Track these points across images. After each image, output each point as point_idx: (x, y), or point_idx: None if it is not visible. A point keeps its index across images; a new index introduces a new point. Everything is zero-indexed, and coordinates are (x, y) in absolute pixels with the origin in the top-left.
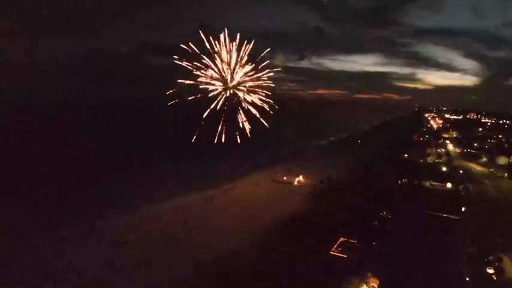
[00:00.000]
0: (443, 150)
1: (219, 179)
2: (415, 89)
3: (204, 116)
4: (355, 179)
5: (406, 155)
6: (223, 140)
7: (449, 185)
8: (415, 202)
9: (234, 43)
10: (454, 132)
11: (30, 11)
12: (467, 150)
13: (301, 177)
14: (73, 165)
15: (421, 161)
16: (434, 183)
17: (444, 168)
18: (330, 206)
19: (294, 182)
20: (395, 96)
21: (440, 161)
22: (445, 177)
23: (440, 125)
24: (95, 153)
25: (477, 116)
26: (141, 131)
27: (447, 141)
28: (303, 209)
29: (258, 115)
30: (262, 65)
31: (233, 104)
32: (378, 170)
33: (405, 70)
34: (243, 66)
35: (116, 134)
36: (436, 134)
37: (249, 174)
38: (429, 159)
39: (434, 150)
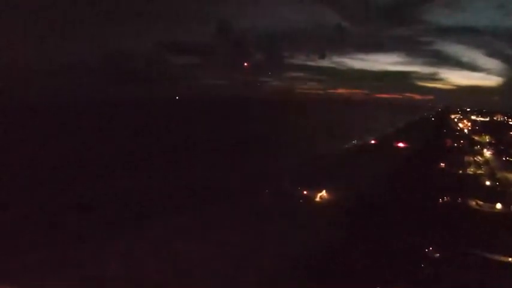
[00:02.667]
0: (480, 158)
1: (224, 189)
2: (437, 88)
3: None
4: (387, 196)
5: (442, 165)
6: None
7: (498, 205)
8: (463, 232)
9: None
10: (486, 137)
11: (48, 9)
12: (506, 159)
13: (324, 192)
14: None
15: (460, 172)
16: (480, 202)
17: (488, 182)
18: (360, 235)
19: (315, 198)
20: (417, 96)
21: (481, 172)
22: (491, 195)
23: (470, 128)
24: (118, 153)
25: (504, 118)
26: (161, 131)
27: (484, 148)
28: (327, 239)
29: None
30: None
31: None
32: (412, 183)
33: (427, 69)
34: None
35: (136, 133)
36: (470, 139)
37: (261, 184)
38: (469, 170)
39: (472, 159)
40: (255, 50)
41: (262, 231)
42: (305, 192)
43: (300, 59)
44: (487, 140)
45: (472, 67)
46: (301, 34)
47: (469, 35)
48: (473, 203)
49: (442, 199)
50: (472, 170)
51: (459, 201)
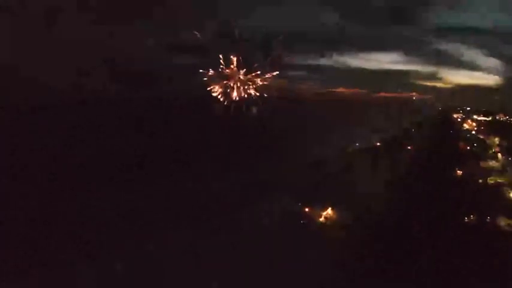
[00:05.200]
0: (496, 163)
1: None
2: (436, 88)
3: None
4: (403, 213)
5: (459, 172)
6: None
7: None
8: (503, 268)
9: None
10: (496, 138)
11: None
12: None
13: (329, 210)
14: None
15: (480, 181)
16: (511, 221)
17: None
18: (376, 272)
19: (319, 218)
20: (417, 95)
21: (503, 181)
22: None
23: (476, 129)
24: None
25: (507, 118)
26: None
27: (498, 152)
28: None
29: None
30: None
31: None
32: (430, 197)
33: (426, 68)
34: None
35: (135, 134)
36: (480, 141)
37: (251, 199)
38: (490, 180)
39: (488, 164)
40: (255, 49)
41: (254, 265)
42: (307, 210)
43: (299, 58)
44: (497, 142)
45: (472, 66)
46: (301, 33)
47: (470, 34)
48: (503, 222)
49: (468, 217)
50: (493, 178)
51: (488, 220)
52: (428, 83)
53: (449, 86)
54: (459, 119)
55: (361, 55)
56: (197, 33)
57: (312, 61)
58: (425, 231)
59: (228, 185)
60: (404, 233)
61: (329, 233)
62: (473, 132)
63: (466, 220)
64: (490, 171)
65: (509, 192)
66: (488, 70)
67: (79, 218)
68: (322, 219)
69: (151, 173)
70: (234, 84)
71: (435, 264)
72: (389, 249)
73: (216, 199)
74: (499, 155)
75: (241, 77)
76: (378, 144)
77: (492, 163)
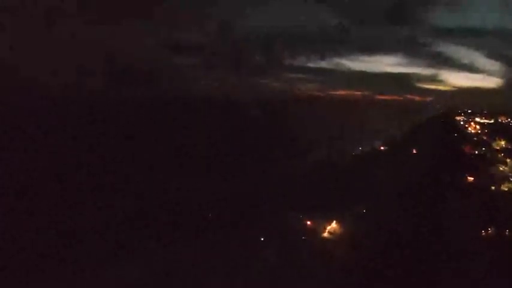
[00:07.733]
0: (505, 168)
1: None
2: (437, 90)
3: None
4: (414, 227)
5: (470, 178)
6: None
7: None
8: None
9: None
10: (502, 141)
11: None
12: None
13: (334, 224)
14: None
15: (493, 188)
16: None
17: None
18: None
19: (322, 233)
20: (417, 98)
21: None
22: None
23: (479, 132)
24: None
25: (508, 120)
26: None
27: (507, 156)
28: None
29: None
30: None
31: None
32: (442, 207)
33: (427, 71)
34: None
35: (135, 134)
36: (487, 145)
37: (246, 209)
38: (504, 186)
39: (499, 169)
40: (255, 51)
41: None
42: (309, 223)
43: (300, 60)
44: (503, 146)
45: (472, 69)
46: (301, 35)
47: (470, 36)
48: None
49: (486, 230)
50: (506, 185)
51: (507, 233)
52: (429, 86)
53: (449, 88)
54: (462, 122)
55: (362, 57)
56: (197, 33)
57: (312, 63)
58: (442, 247)
59: (225, 193)
60: (417, 249)
61: (334, 250)
62: (479, 135)
63: (484, 233)
64: (502, 177)
65: None
66: (488, 72)
67: (79, 218)
68: (326, 234)
69: (149, 173)
70: None
71: (451, 281)
72: (400, 268)
73: (209, 210)
74: (508, 160)
75: None
76: (382, 148)
77: (502, 168)
